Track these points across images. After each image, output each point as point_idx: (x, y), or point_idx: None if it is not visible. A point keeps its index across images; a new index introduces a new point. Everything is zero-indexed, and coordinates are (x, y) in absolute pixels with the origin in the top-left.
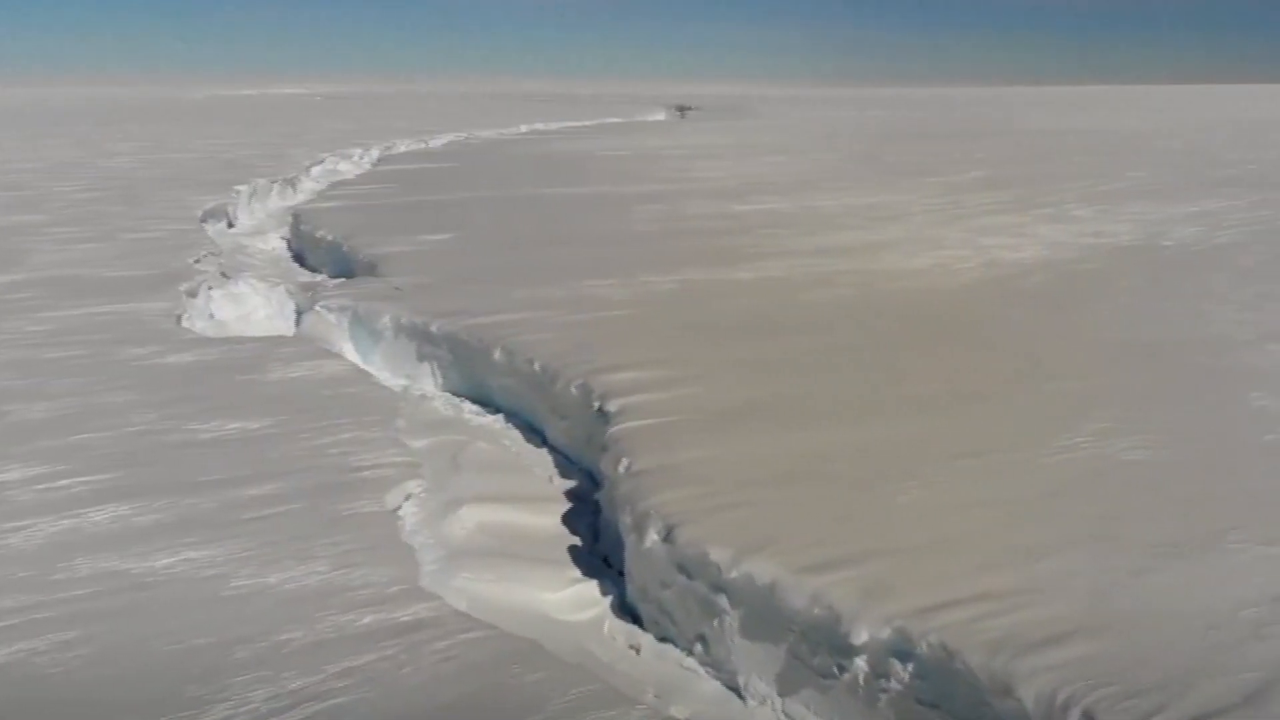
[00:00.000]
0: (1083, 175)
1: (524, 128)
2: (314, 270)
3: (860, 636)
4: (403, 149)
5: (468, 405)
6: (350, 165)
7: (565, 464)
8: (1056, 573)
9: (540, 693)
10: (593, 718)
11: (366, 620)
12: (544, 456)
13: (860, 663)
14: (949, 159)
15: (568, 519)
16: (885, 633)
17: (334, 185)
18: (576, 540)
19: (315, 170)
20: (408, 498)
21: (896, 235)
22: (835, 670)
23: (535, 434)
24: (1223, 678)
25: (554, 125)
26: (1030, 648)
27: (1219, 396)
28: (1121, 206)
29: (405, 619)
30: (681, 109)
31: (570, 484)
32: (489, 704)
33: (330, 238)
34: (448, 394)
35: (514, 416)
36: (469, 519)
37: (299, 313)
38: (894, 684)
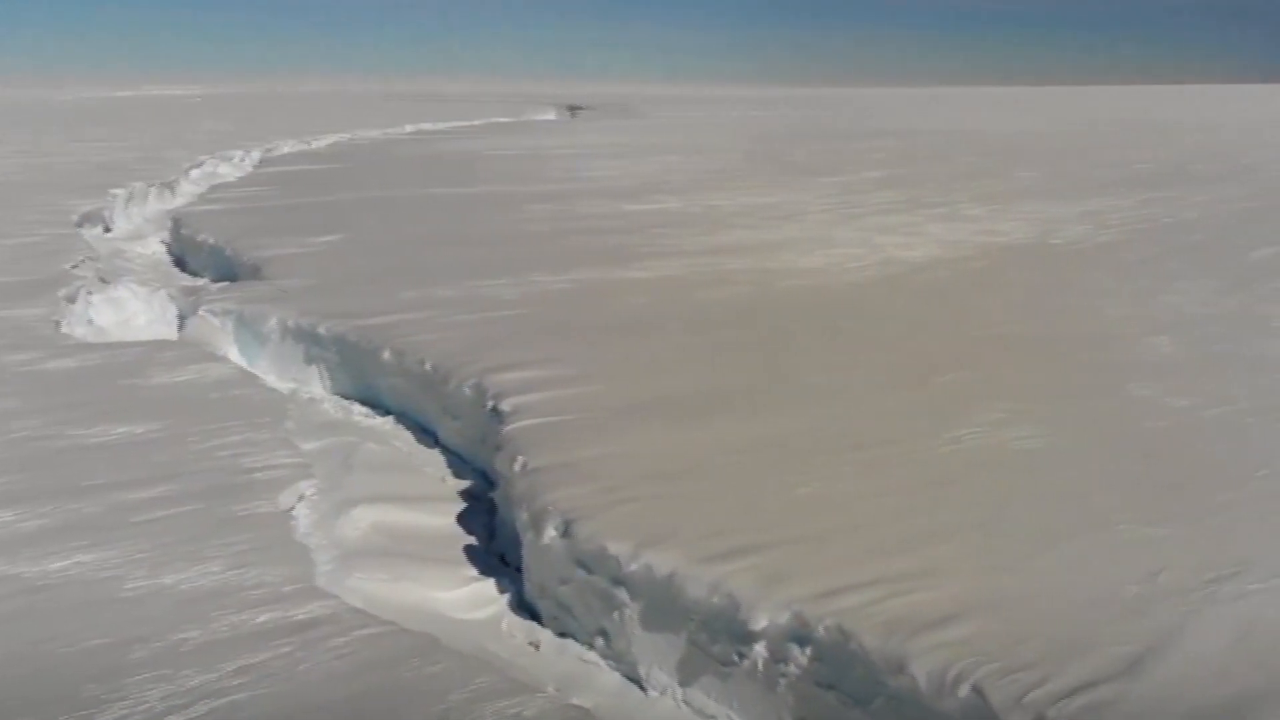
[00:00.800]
0: (975, 175)
1: (409, 128)
2: (196, 274)
3: (759, 623)
4: (285, 151)
5: (357, 407)
6: (230, 168)
7: (458, 464)
8: (948, 557)
9: (440, 684)
10: (494, 707)
11: (262, 619)
12: (436, 457)
13: (760, 648)
14: (845, 159)
15: (463, 518)
16: (784, 618)
17: (215, 188)
18: (472, 539)
19: (194, 173)
20: (300, 499)
21: (792, 234)
22: (735, 657)
23: (427, 435)
24: (1103, 650)
25: (441, 125)
26: (922, 628)
27: (1104, 388)
28: (1013, 206)
29: (301, 617)
30: (573, 108)
31: (464, 484)
32: (388, 697)
33: (212, 241)
34: (337, 396)
35: (405, 418)
36: (362, 519)
37: (181, 317)
38: (792, 668)
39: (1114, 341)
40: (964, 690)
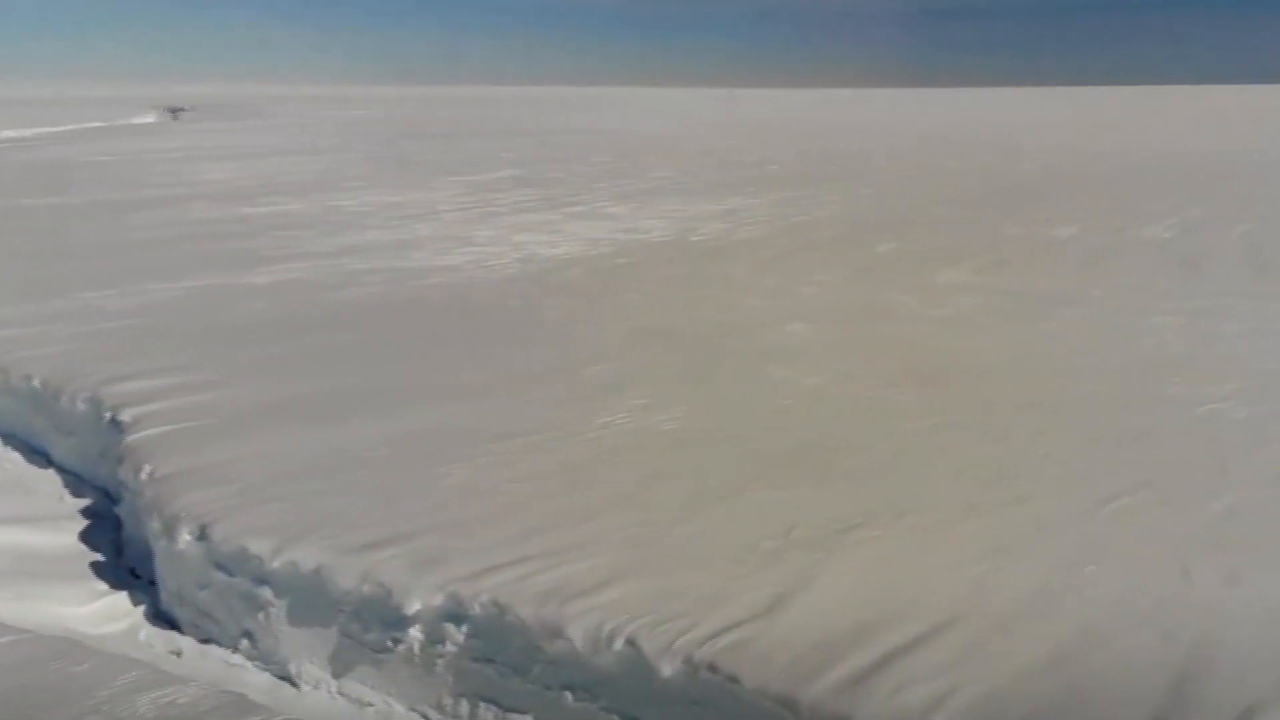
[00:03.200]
0: (613, 175)
1: None
2: None
3: (413, 606)
4: None
5: None
6: None
7: (76, 483)
8: (598, 530)
9: (88, 682)
10: (147, 698)
11: None
12: (51, 476)
13: (415, 632)
14: (476, 158)
15: (86, 536)
16: (438, 599)
17: None
18: (99, 556)
19: None
20: None
21: (426, 233)
22: (390, 643)
23: (39, 455)
24: (745, 597)
25: (26, 132)
26: (576, 594)
27: (744, 372)
28: (653, 204)
29: None
30: (174, 110)
31: (85, 502)
32: (33, 697)
33: None
34: None
35: (12, 439)
36: None
37: None
38: (449, 647)
39: (753, 329)
40: (619, 644)
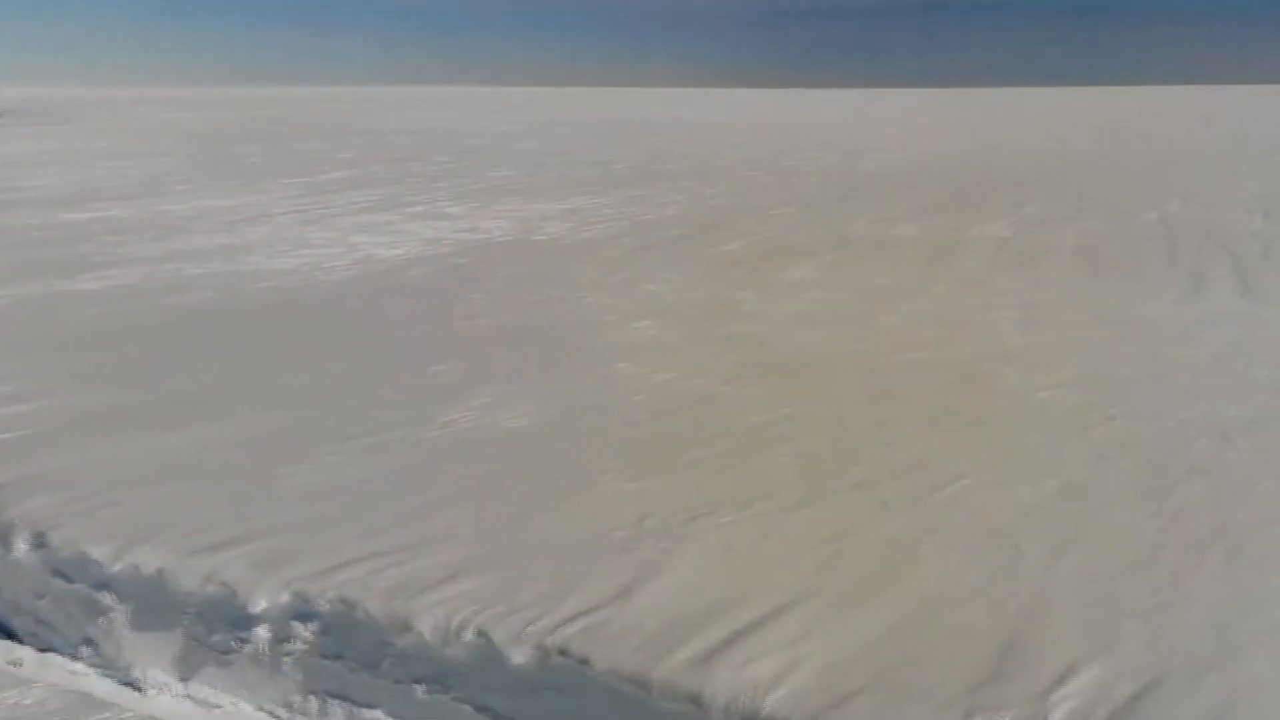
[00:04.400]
0: (451, 174)
1: None
2: None
3: (259, 605)
4: None
5: None
6: None
7: None
8: (446, 526)
9: None
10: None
11: None
12: None
13: (261, 631)
14: (307, 159)
15: None
16: (284, 598)
17: None
18: None
19: None
20: None
21: (259, 237)
22: (235, 644)
23: None
24: (596, 584)
25: None
26: (424, 589)
27: (592, 368)
28: (494, 204)
29: None
30: None
31: None
32: None
33: None
34: None
35: None
36: None
37: None
38: (297, 645)
39: (600, 327)
40: (469, 635)
